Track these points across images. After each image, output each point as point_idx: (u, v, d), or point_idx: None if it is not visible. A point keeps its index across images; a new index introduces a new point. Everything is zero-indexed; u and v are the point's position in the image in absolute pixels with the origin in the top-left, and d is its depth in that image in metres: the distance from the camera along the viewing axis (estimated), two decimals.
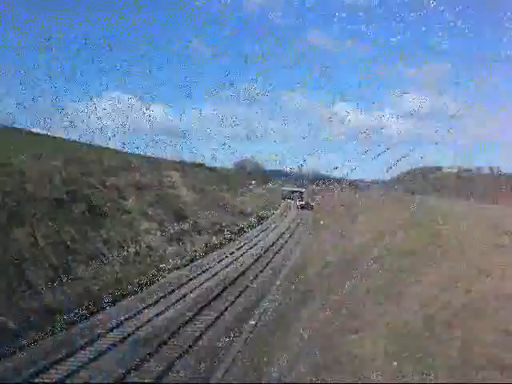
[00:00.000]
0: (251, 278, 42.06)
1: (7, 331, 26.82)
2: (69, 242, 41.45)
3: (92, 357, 24.37)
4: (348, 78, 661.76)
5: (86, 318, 30.96)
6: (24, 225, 39.44)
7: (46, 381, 21.80)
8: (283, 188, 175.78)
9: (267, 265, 48.93)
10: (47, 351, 25.22)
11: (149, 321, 30.31)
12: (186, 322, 29.90)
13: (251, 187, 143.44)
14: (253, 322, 30.07)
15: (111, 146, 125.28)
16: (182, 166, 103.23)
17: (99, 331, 28.34)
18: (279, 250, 57.09)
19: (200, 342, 26.71)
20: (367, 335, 17.54)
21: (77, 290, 34.54)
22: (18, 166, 51.84)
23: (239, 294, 36.30)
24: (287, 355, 19.74)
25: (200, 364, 23.42)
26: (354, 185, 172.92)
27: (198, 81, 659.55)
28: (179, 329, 28.73)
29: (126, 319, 30.65)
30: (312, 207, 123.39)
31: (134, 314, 31.71)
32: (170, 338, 27.12)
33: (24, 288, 31.77)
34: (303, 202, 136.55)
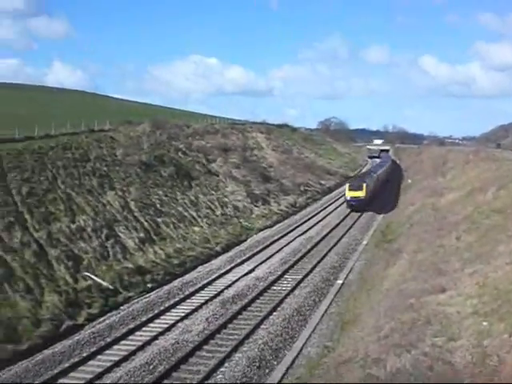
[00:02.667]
0: (337, 238, 41.75)
1: (103, 291, 27.94)
2: (158, 205, 42.51)
3: (183, 315, 25.03)
4: (433, 29, 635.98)
5: (175, 278, 31.71)
6: (115, 188, 40.74)
7: (140, 338, 22.59)
8: (368, 147, 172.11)
9: (354, 224, 48.42)
10: (140, 310, 26.08)
11: (237, 280, 30.69)
12: (274, 281, 30.10)
13: (336, 146, 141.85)
14: (340, 282, 29.92)
15: (196, 109, 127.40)
16: (266, 128, 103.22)
17: (190, 290, 29.03)
18: (366, 210, 56.28)
19: (288, 299, 26.82)
20: (456, 294, 17.02)
21: (166, 250, 35.44)
22: (107, 131, 53.40)
23: (326, 254, 36.13)
24: (374, 314, 19.50)
25: (287, 322, 23.50)
26: (442, 142, 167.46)
27: (280, 39, 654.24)
28: (268, 288, 28.96)
29: (215, 279, 31.21)
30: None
31: (223, 274, 32.23)
32: (257, 298, 27.39)
33: (117, 249, 32.91)
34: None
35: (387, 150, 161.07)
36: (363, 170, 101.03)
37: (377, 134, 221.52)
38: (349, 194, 56.24)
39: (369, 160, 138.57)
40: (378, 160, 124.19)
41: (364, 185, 55.81)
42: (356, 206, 55.14)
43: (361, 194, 55.45)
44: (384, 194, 67.37)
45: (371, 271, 29.52)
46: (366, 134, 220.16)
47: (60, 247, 30.03)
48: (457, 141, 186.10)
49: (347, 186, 58.20)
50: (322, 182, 79.75)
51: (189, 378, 18.33)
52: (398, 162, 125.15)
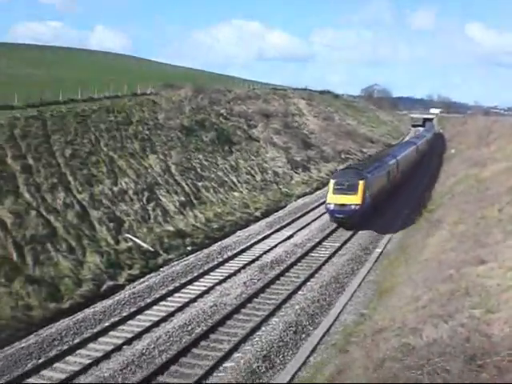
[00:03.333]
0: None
1: (143, 253, 28.39)
2: (199, 169, 42.73)
3: (222, 278, 25.30)
4: None
5: (214, 242, 31.98)
6: (156, 152, 41.05)
7: (179, 300, 22.95)
8: (412, 115, 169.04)
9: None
10: (180, 272, 26.45)
11: (275, 246, 30.79)
12: (313, 248, 30.10)
13: (378, 114, 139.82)
14: (378, 250, 29.77)
15: (237, 74, 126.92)
16: (307, 94, 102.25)
17: (229, 254, 29.29)
18: (407, 180, 55.42)
19: (326, 266, 26.83)
20: (496, 266, 16.71)
21: (206, 214, 35.71)
22: (149, 95, 53.61)
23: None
24: (412, 284, 19.35)
25: (324, 288, 23.53)
26: (487, 112, 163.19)
27: (324, 2, 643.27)
28: (306, 254, 29.00)
29: (253, 244, 31.38)
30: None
31: (262, 239, 32.37)
32: (295, 264, 27.47)
33: (158, 212, 33.31)
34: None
35: (431, 119, 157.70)
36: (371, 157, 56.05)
37: (421, 102, 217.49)
38: (332, 200, 33.58)
39: (412, 129, 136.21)
40: (421, 129, 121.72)
41: (361, 183, 33.42)
42: (345, 221, 33.69)
43: (354, 199, 33.15)
44: (424, 165, 65.93)
45: (411, 241, 29.23)
46: (409, 102, 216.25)
47: (102, 209, 30.55)
48: (502, 111, 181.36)
49: (332, 182, 34.67)
50: (364, 149, 78.78)
51: (226, 341, 18.58)
52: (441, 131, 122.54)
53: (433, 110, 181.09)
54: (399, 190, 45.82)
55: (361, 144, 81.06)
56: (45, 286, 22.64)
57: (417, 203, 40.08)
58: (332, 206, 33.56)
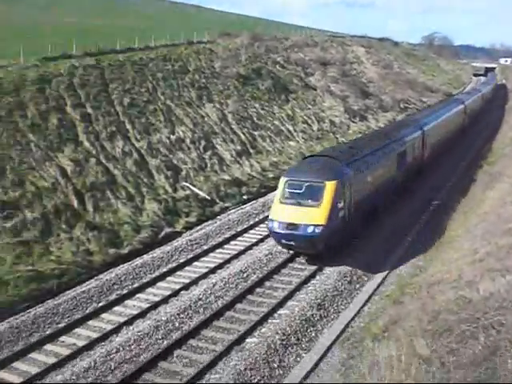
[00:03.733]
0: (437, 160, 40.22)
1: (200, 201, 28.70)
2: (255, 118, 42.54)
3: None
4: None
5: (271, 191, 31.96)
6: (213, 101, 41.02)
7: (235, 248, 23.19)
8: (473, 64, 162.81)
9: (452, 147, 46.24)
10: (236, 220, 26.71)
11: None
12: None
13: (439, 62, 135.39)
14: (437, 202, 29.19)
15: (294, 21, 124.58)
16: (366, 41, 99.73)
17: None
18: (464, 133, 53.66)
19: (388, 220, 26.53)
20: None
21: (262, 163, 35.67)
22: (206, 43, 53.33)
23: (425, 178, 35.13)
24: (469, 237, 18.94)
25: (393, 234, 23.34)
26: None
27: None
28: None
29: None
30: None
31: None
32: None
33: (214, 161, 33.47)
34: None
35: (493, 69, 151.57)
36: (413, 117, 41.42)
37: (482, 51, 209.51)
38: (277, 214, 20.41)
39: (473, 78, 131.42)
40: (482, 78, 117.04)
41: (329, 187, 19.99)
42: (299, 246, 20.48)
43: (315, 216, 19.53)
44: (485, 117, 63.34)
45: (470, 193, 28.51)
46: (470, 51, 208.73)
47: (160, 157, 30.92)
48: None
49: (282, 181, 21.00)
50: (423, 99, 76.66)
51: (280, 288, 18.72)
52: (504, 81, 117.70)
53: (502, 60, 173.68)
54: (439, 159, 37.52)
55: (420, 93, 78.84)
56: (104, 232, 23.27)
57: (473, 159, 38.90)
58: (276, 226, 20.09)
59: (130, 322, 16.86)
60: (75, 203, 24.41)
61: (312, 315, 16.53)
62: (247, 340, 15.35)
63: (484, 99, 68.90)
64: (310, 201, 19.81)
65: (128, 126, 32.21)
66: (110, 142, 29.96)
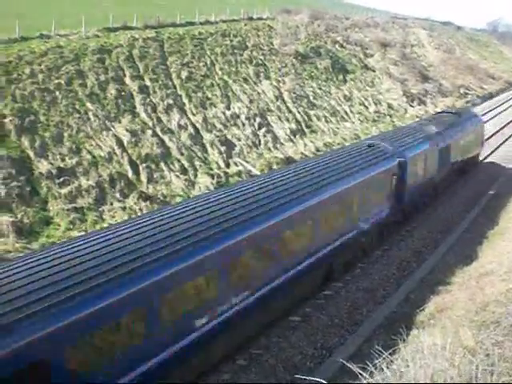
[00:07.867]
0: (493, 148, 39.17)
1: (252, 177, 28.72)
2: (311, 97, 42.17)
3: None
4: None
5: None
6: (270, 78, 40.81)
7: None
8: None
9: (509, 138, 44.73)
10: None
11: None
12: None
13: (502, 49, 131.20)
14: (492, 192, 28.55)
15: (356, 1, 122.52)
16: (429, 24, 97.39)
17: None
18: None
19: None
20: None
21: (316, 143, 35.42)
22: (266, 19, 52.98)
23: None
24: None
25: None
26: None
27: None
28: None
29: None
30: None
31: None
32: None
33: (268, 138, 33.36)
34: None
35: None
36: None
37: None
38: None
39: None
40: None
41: None
42: None
43: None
44: None
45: None
46: None
47: (214, 132, 31.03)
48: None
49: None
50: (484, 86, 74.52)
51: None
52: None
53: None
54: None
55: (481, 80, 76.61)
56: (157, 203, 23.53)
57: None
58: None
59: None
60: (130, 173, 24.77)
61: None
62: None
63: None
64: None
65: (185, 100, 32.37)
66: (167, 115, 30.18)
